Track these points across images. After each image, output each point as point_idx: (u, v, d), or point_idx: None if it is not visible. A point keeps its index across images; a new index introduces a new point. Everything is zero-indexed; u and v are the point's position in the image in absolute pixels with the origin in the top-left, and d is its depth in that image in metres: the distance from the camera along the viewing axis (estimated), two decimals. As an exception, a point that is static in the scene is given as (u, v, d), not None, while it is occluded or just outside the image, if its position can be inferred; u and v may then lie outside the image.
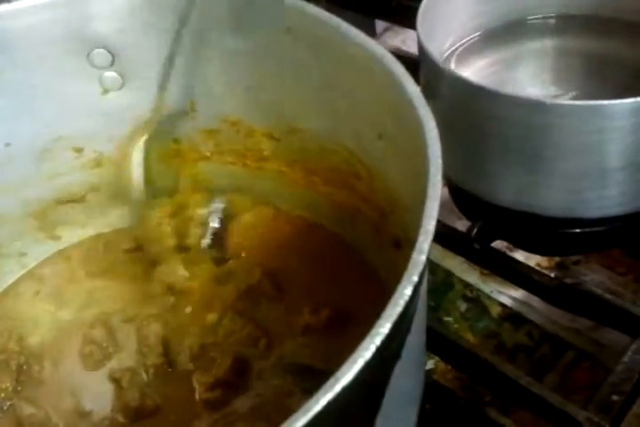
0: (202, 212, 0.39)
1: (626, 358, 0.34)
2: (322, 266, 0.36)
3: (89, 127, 0.36)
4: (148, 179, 0.38)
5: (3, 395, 0.33)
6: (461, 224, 0.46)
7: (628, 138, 0.34)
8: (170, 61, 0.34)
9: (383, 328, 0.17)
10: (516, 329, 0.50)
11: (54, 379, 0.34)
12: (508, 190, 0.39)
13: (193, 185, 0.40)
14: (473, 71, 0.44)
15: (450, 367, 0.46)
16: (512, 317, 0.51)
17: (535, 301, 0.50)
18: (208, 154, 0.39)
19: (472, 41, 0.46)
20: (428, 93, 0.23)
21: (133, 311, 0.36)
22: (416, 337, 0.23)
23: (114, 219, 0.40)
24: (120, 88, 0.35)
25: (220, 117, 0.36)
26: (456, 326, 0.51)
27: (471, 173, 0.40)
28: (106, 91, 0.35)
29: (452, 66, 0.44)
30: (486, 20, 0.45)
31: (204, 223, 0.38)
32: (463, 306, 0.52)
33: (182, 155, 0.39)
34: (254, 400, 0.31)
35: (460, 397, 0.37)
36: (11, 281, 0.38)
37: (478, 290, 0.53)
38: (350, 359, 0.16)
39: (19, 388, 0.33)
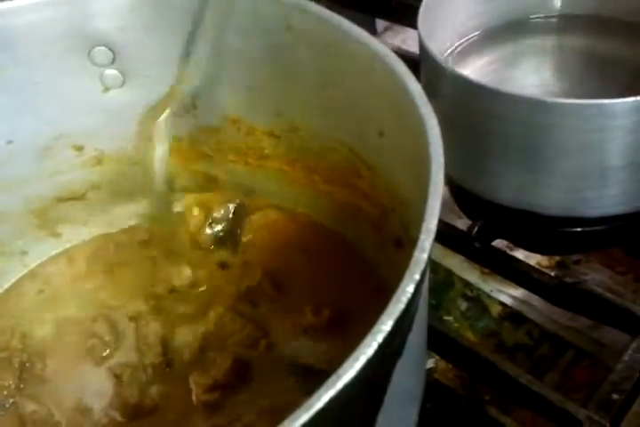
0: (211, 210, 0.39)
1: (626, 357, 0.34)
2: (323, 266, 0.36)
3: (90, 125, 0.36)
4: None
5: (5, 393, 0.33)
6: (462, 223, 0.46)
7: (628, 137, 0.34)
8: (171, 59, 0.34)
9: (385, 325, 0.17)
10: (516, 328, 0.50)
11: (57, 376, 0.34)
12: (509, 189, 0.39)
13: (194, 183, 0.40)
14: (473, 70, 0.44)
15: (450, 366, 0.46)
16: (512, 316, 0.51)
17: (535, 300, 0.50)
18: (209, 152, 0.39)
19: (473, 40, 0.46)
20: (429, 92, 0.23)
21: (134, 309, 0.36)
22: (417, 335, 0.23)
23: (114, 217, 0.40)
24: (121, 86, 0.35)
25: (220, 116, 0.36)
26: (456, 325, 0.51)
27: (472, 171, 0.40)
28: (107, 89, 0.35)
29: (453, 64, 0.44)
30: (487, 19, 0.45)
31: (214, 222, 0.38)
32: (463, 305, 0.52)
33: (183, 153, 0.39)
34: (254, 401, 0.31)
35: (461, 395, 0.37)
36: (13, 279, 0.38)
37: (478, 289, 0.53)
38: (352, 356, 0.16)
39: (21, 385, 0.33)
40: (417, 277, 0.18)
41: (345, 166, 0.33)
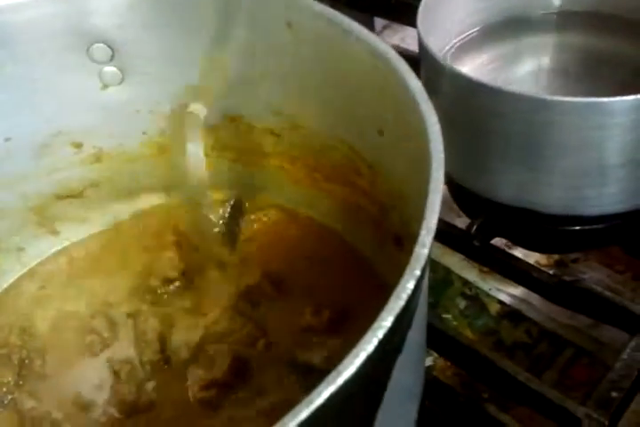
0: (213, 208, 0.39)
1: (625, 356, 0.35)
2: (322, 265, 0.36)
3: (88, 122, 0.36)
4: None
5: (5, 389, 0.33)
6: (461, 221, 0.46)
7: (628, 135, 0.34)
8: (169, 57, 0.34)
9: (385, 321, 0.17)
10: (514, 326, 0.50)
11: (55, 373, 0.34)
12: (509, 187, 0.39)
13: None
14: (473, 68, 0.44)
15: (449, 364, 0.46)
16: (511, 314, 0.51)
17: (534, 298, 0.50)
18: (208, 150, 0.39)
19: (472, 37, 0.46)
20: (429, 91, 0.23)
21: (133, 306, 0.36)
22: (417, 333, 0.23)
23: (113, 214, 0.40)
24: (120, 83, 0.35)
25: (219, 114, 0.36)
26: (455, 323, 0.51)
27: (471, 170, 0.40)
28: (105, 86, 0.35)
29: (452, 62, 0.44)
30: (486, 17, 0.45)
31: (215, 220, 0.38)
32: (462, 303, 0.52)
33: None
34: (253, 399, 0.31)
35: (460, 393, 0.37)
36: (9, 276, 0.38)
37: (477, 288, 0.53)
38: (352, 352, 0.16)
39: (20, 382, 0.33)
40: (417, 273, 0.18)
41: (345, 164, 0.33)
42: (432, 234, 0.19)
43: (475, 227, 0.40)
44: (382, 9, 0.59)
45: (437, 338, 0.37)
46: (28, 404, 0.32)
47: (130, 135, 0.38)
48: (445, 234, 0.43)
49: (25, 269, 0.39)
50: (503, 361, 0.36)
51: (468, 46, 0.45)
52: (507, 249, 0.47)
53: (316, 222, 0.38)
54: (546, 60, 0.45)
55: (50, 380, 0.34)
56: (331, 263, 0.36)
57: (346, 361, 0.16)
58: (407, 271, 0.18)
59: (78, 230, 0.40)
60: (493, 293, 0.53)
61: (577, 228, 0.40)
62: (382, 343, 0.16)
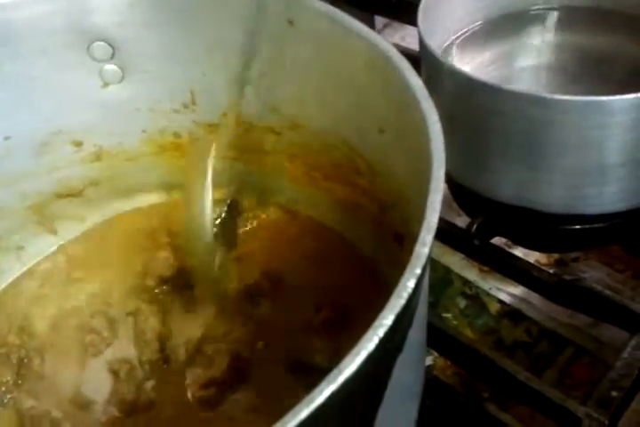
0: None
1: (625, 355, 0.35)
2: (322, 264, 0.36)
3: (88, 121, 0.36)
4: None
5: (4, 388, 0.33)
6: (461, 221, 0.46)
7: (628, 134, 0.34)
8: (170, 55, 0.34)
9: (386, 320, 0.17)
10: (514, 326, 0.50)
11: (55, 372, 0.34)
12: (509, 186, 0.39)
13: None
14: (473, 66, 0.44)
15: (449, 363, 0.46)
16: (511, 313, 0.51)
17: (534, 298, 0.50)
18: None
19: (472, 35, 0.46)
20: (430, 89, 0.23)
21: (132, 305, 0.36)
22: (417, 332, 0.23)
23: (113, 213, 0.40)
24: (120, 81, 0.35)
25: (219, 111, 0.36)
26: (455, 322, 0.51)
27: (471, 168, 0.40)
28: (106, 84, 0.35)
29: (453, 60, 0.44)
30: (486, 14, 0.45)
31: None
32: (462, 303, 0.52)
33: (182, 149, 0.38)
34: (253, 398, 0.31)
35: (460, 392, 0.37)
36: (9, 275, 0.38)
37: (477, 287, 0.53)
38: (353, 351, 0.16)
39: (19, 381, 0.33)
40: (418, 271, 0.18)
41: (345, 163, 0.33)
42: (433, 233, 0.19)
43: (475, 226, 0.40)
44: (383, 7, 0.59)
45: (437, 337, 0.37)
46: (28, 403, 0.32)
47: (130, 134, 0.38)
48: (445, 233, 0.43)
49: (24, 269, 0.39)
50: (503, 360, 0.36)
51: (469, 44, 0.45)
52: (507, 248, 0.47)
53: (316, 221, 0.38)
54: (546, 58, 0.45)
55: (49, 379, 0.33)
56: (330, 262, 0.36)
57: (347, 360, 0.16)
58: (408, 270, 0.18)
59: (78, 229, 0.40)
60: (493, 292, 0.53)
61: (577, 227, 0.40)
62: (383, 342, 0.16)
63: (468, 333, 0.50)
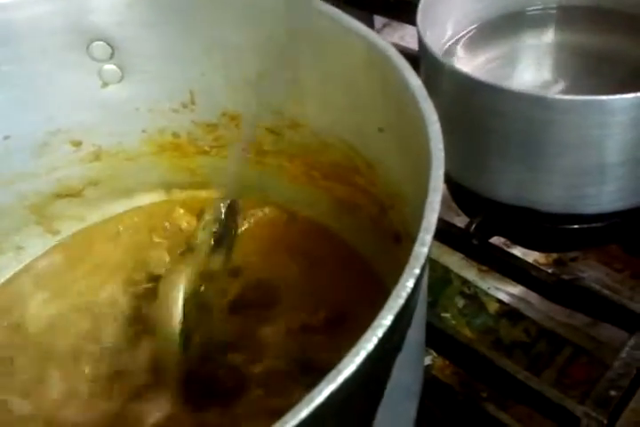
0: (202, 212, 0.38)
1: (623, 354, 0.35)
2: (321, 265, 0.36)
3: (88, 120, 0.36)
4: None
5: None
6: (459, 220, 0.46)
7: (628, 133, 0.34)
8: (169, 55, 0.34)
9: (385, 320, 0.17)
10: (513, 325, 0.50)
11: (53, 371, 0.34)
12: (508, 186, 0.39)
13: (191, 180, 0.40)
14: (473, 66, 0.44)
15: (447, 363, 0.46)
16: (509, 313, 0.51)
17: (532, 297, 0.50)
18: (207, 148, 0.39)
19: (472, 34, 0.46)
20: (429, 89, 0.23)
21: (131, 305, 0.36)
22: (416, 331, 0.23)
23: (112, 213, 0.40)
24: (119, 81, 0.35)
25: (219, 111, 0.36)
26: (454, 322, 0.51)
27: (471, 168, 0.40)
28: (105, 84, 0.35)
29: (452, 60, 0.44)
30: (486, 13, 0.45)
31: (210, 221, 0.38)
32: (461, 302, 0.52)
33: (181, 148, 0.38)
34: (254, 398, 0.31)
35: (458, 392, 0.37)
36: (8, 275, 0.38)
37: (476, 287, 0.53)
38: (352, 351, 0.16)
39: (13, 380, 0.33)
40: (417, 271, 0.18)
41: (344, 163, 0.33)
42: (431, 233, 0.19)
43: (474, 226, 0.40)
44: (382, 7, 0.59)
45: (436, 337, 0.37)
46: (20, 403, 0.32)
47: (129, 133, 0.38)
48: (444, 233, 0.43)
49: (22, 267, 0.39)
50: (502, 360, 0.36)
51: (468, 43, 0.45)
52: (505, 248, 0.47)
53: (315, 221, 0.38)
54: (546, 58, 0.45)
55: (45, 378, 0.33)
56: (329, 262, 0.36)
57: (346, 360, 0.16)
58: (407, 270, 0.18)
59: (77, 229, 0.40)
60: (492, 291, 0.53)
61: (576, 226, 0.40)
62: (382, 342, 0.16)
63: (467, 332, 0.50)
